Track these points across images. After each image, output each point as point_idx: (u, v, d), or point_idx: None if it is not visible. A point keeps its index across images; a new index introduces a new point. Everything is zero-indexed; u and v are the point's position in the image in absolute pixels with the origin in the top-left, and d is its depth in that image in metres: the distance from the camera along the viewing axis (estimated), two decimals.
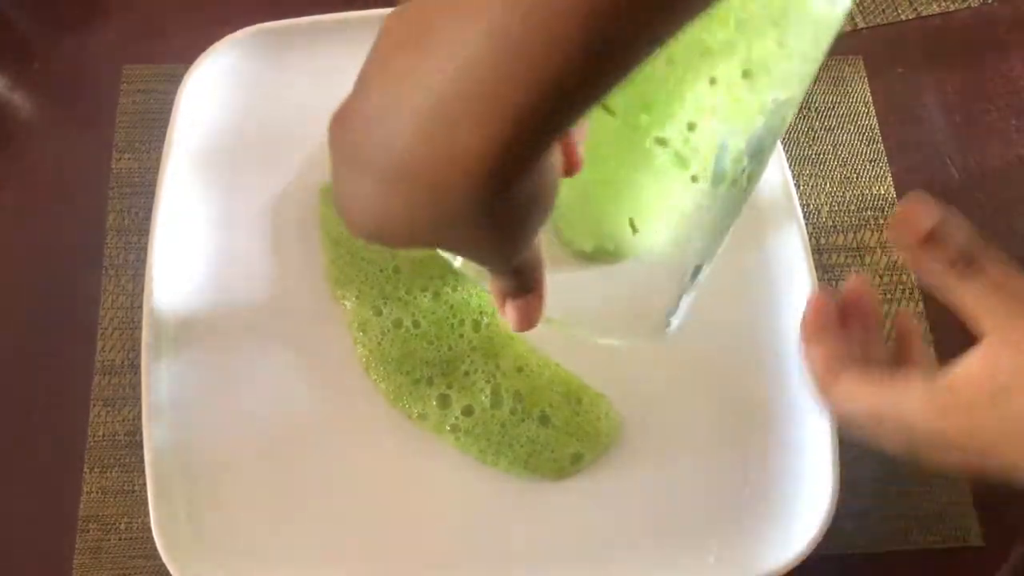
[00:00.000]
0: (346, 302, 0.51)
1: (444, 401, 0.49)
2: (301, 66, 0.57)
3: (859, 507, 0.49)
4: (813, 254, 0.52)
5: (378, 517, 0.47)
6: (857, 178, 0.58)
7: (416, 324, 0.50)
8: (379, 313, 0.51)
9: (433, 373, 0.49)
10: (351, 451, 0.48)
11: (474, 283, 0.49)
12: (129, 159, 0.57)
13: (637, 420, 0.49)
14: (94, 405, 0.50)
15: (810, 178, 0.58)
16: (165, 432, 0.47)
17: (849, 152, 0.59)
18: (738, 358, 0.50)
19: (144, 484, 0.45)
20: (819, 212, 0.57)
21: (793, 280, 0.51)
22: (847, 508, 0.45)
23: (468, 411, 0.49)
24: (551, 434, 0.48)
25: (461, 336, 0.50)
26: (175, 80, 0.55)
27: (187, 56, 0.55)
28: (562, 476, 0.48)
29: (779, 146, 0.53)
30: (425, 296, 0.51)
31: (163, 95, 0.58)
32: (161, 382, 0.48)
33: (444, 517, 0.47)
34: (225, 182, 0.54)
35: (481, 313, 0.51)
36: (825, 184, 0.58)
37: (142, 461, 0.46)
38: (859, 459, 0.47)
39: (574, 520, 0.47)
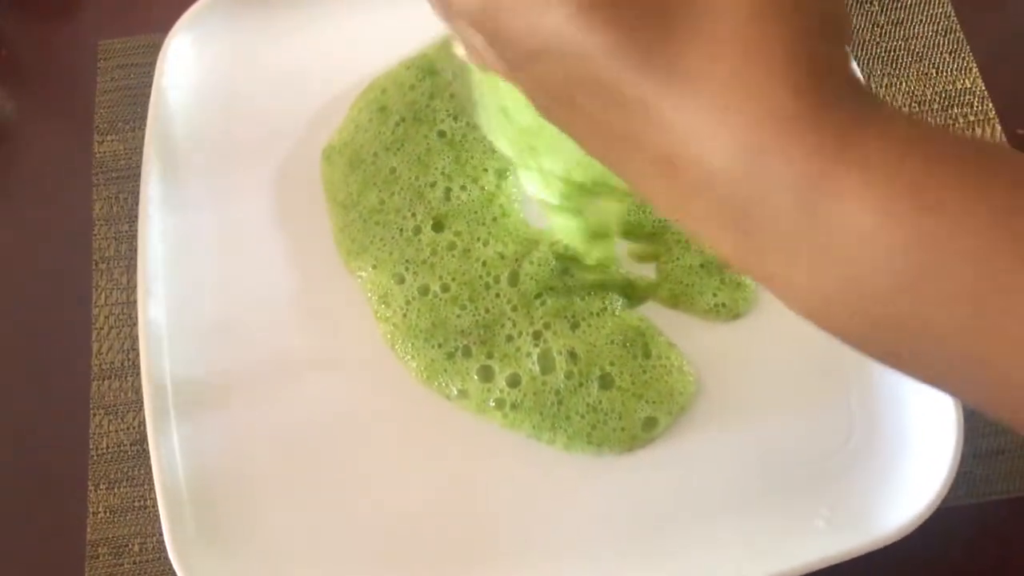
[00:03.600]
0: (362, 273, 0.45)
1: (486, 373, 0.42)
2: (288, 25, 0.51)
3: (990, 446, 0.42)
4: None
5: (422, 517, 0.40)
6: (937, 73, 0.51)
7: (445, 288, 0.44)
8: (401, 281, 0.44)
9: (470, 342, 0.43)
10: (384, 443, 0.42)
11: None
12: (113, 141, 0.51)
13: (713, 372, 0.42)
14: (95, 414, 0.45)
15: (882, 78, 0.51)
16: (173, 438, 0.41)
17: (924, 45, 0.51)
18: None
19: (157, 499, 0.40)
20: None
21: None
22: (975, 448, 0.40)
23: (514, 381, 0.42)
24: (616, 398, 0.41)
25: (498, 295, 0.43)
26: (155, 51, 0.50)
27: (166, 25, 0.50)
28: (634, 447, 0.41)
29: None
30: (452, 255, 0.44)
31: (143, 68, 0.53)
32: (164, 383, 0.42)
33: (499, 508, 0.40)
34: (217, 156, 0.49)
35: (517, 261, 0.44)
36: (902, 83, 0.50)
37: (152, 473, 0.40)
38: None
39: (652, 496, 0.40)
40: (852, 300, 0.22)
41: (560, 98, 0.25)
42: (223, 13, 0.51)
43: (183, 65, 0.50)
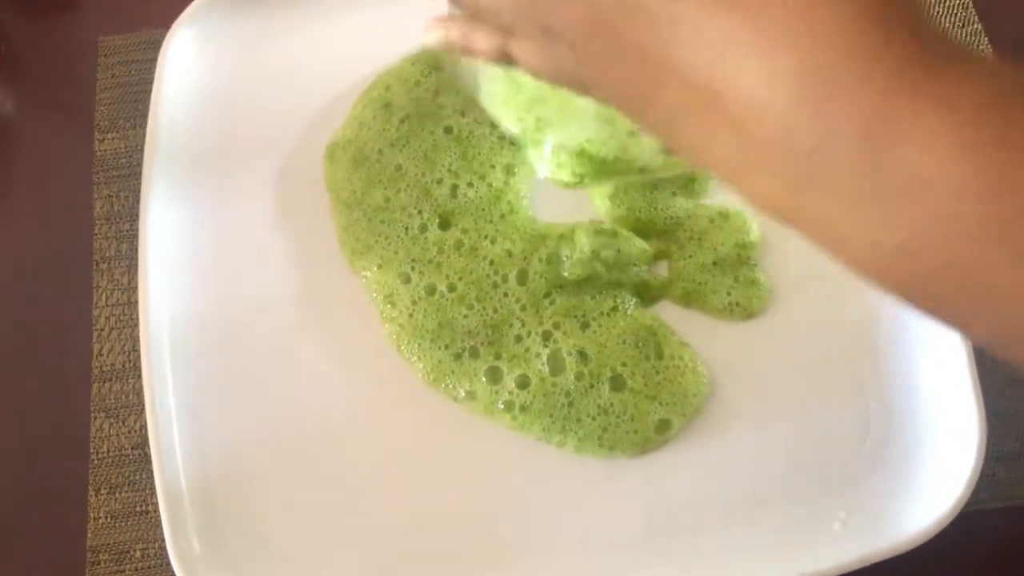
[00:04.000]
0: (367, 272, 0.44)
1: (494, 375, 0.41)
2: (291, 21, 0.50)
3: (1014, 448, 0.41)
4: None
5: (428, 523, 0.39)
6: None
7: (452, 287, 0.43)
8: (407, 280, 0.43)
9: (478, 343, 0.42)
10: (390, 446, 0.41)
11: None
12: (113, 139, 0.50)
13: (727, 373, 0.41)
14: (95, 417, 0.44)
15: None
16: (175, 442, 0.41)
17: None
18: (840, 283, 0.42)
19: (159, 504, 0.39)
20: None
21: None
22: (999, 450, 0.39)
23: (523, 383, 0.41)
24: (628, 399, 0.40)
25: (506, 295, 0.42)
26: (156, 47, 0.49)
27: (167, 20, 0.49)
28: (646, 450, 0.40)
29: None
30: (459, 254, 0.43)
31: (144, 65, 0.52)
32: (166, 385, 0.42)
33: (508, 512, 0.39)
34: (219, 154, 0.48)
35: (525, 259, 0.43)
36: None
37: (153, 477, 0.39)
38: (1011, 386, 0.39)
39: (665, 500, 0.39)
40: (916, 252, 0.20)
41: (599, 27, 0.23)
42: (225, 9, 0.50)
43: (184, 62, 0.49)
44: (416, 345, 0.42)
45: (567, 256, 0.42)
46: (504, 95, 0.37)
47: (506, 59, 0.28)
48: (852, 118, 0.19)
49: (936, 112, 0.19)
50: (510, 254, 0.43)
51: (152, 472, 0.39)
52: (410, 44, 0.49)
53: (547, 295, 0.42)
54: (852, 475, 0.40)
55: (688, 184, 0.45)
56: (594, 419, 0.40)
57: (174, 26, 0.49)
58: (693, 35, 0.20)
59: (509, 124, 0.38)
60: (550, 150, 0.38)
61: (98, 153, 0.50)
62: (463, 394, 0.41)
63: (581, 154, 0.37)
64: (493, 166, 0.45)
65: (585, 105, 0.34)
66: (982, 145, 0.18)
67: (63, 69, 0.53)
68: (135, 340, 0.44)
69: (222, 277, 0.45)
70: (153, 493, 0.40)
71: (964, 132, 0.19)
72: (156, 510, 0.40)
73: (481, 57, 0.29)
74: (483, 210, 0.44)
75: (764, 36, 0.20)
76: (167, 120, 0.47)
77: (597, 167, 0.38)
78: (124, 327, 0.46)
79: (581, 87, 0.27)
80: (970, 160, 0.18)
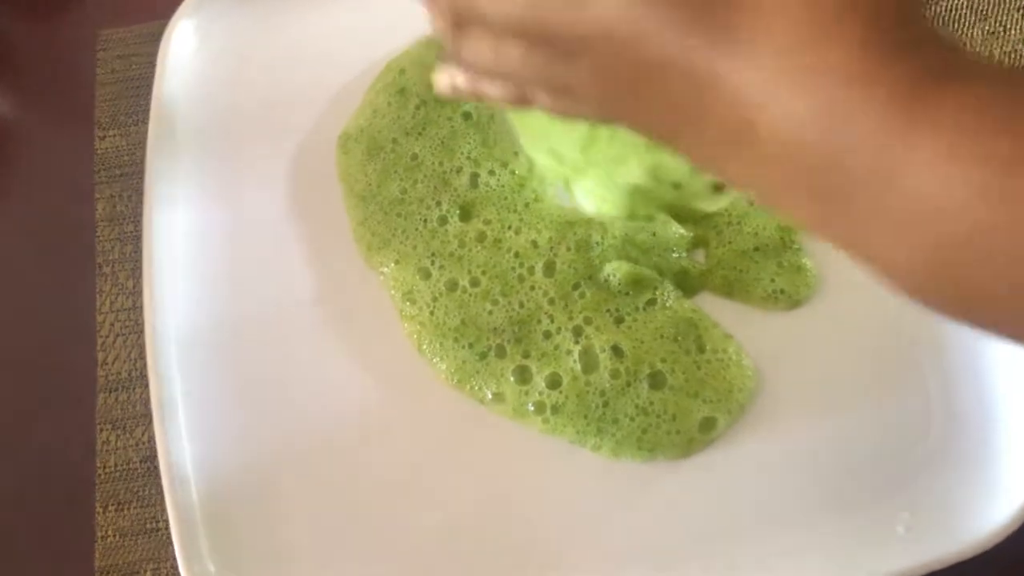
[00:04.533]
0: (384, 268, 0.41)
1: (523, 375, 0.38)
2: (298, 6, 0.48)
3: None
4: None
5: (456, 534, 0.37)
6: (1005, 32, 0.46)
7: (475, 282, 0.40)
8: (427, 276, 0.41)
9: (504, 341, 0.39)
10: (414, 454, 0.38)
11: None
12: (115, 136, 0.48)
13: (774, 366, 0.38)
14: (101, 429, 0.42)
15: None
16: (185, 454, 0.38)
17: (990, 3, 0.47)
18: None
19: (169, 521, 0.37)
20: None
21: None
22: None
23: (555, 382, 0.38)
24: (669, 398, 0.37)
25: (532, 288, 0.40)
26: (157, 40, 0.47)
27: (168, 11, 0.47)
28: (690, 451, 0.37)
29: None
30: (482, 246, 0.41)
31: (145, 58, 0.50)
32: (174, 394, 0.39)
33: (540, 522, 0.37)
34: (225, 149, 0.46)
35: (552, 249, 0.40)
36: (965, 44, 0.46)
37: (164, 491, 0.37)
38: None
39: (712, 505, 0.37)
40: (938, 268, 0.20)
41: (619, 86, 0.23)
42: None
43: (187, 53, 0.47)
44: (438, 345, 0.39)
45: (598, 242, 0.39)
46: (548, 164, 0.34)
47: (524, 103, 0.27)
48: (861, 143, 0.20)
49: (932, 132, 0.19)
50: (536, 244, 0.40)
51: (161, 487, 0.37)
52: (425, 25, 0.46)
53: (576, 286, 0.39)
54: (915, 473, 0.37)
55: None
56: (632, 420, 0.37)
57: (175, 16, 0.47)
58: (724, 86, 0.21)
59: (540, 157, 0.34)
60: (593, 186, 0.34)
61: (99, 152, 0.48)
62: (490, 396, 0.38)
63: (634, 191, 0.33)
64: (516, 152, 0.43)
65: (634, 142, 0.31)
66: (976, 164, 0.19)
67: (61, 65, 0.51)
68: (141, 347, 0.42)
69: (231, 278, 0.42)
70: (163, 509, 0.37)
71: (958, 150, 0.19)
72: (167, 527, 0.38)
73: (495, 103, 0.28)
74: (506, 199, 0.42)
75: (783, 76, 0.21)
76: (169, 115, 0.45)
77: (648, 199, 0.34)
78: (130, 333, 0.43)
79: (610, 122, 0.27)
80: (969, 183, 0.19)
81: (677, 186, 0.31)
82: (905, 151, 0.20)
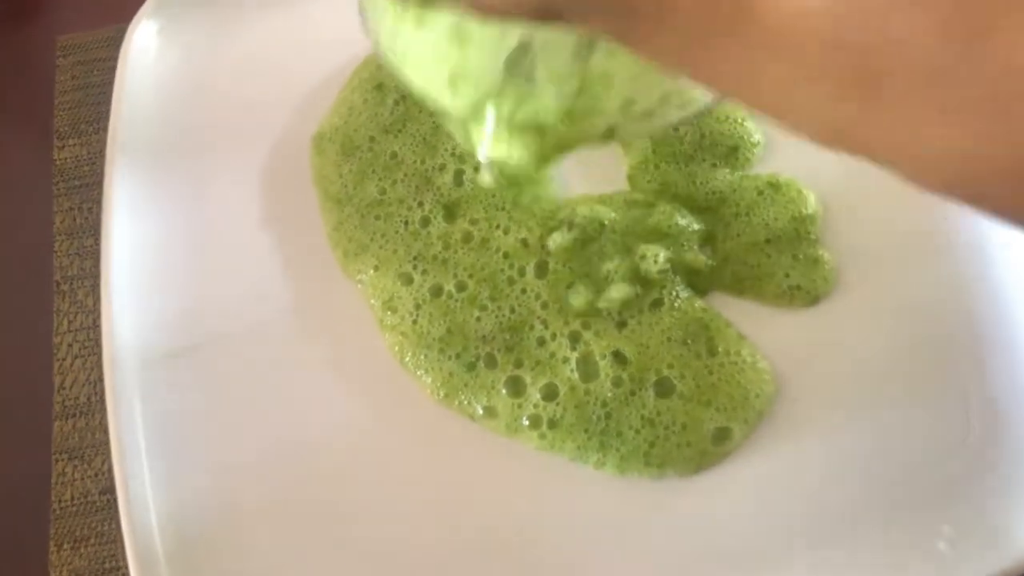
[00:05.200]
0: (362, 276, 0.38)
1: (516, 386, 0.35)
2: (262, 9, 0.45)
3: None
4: None
5: (450, 562, 0.33)
6: None
7: (461, 287, 0.37)
8: (409, 282, 0.37)
9: (494, 350, 0.35)
10: (399, 478, 0.35)
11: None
12: (75, 145, 0.45)
13: (794, 368, 0.35)
14: (57, 459, 0.38)
15: None
16: (146, 485, 0.34)
17: None
18: (921, 255, 0.35)
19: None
20: None
21: None
22: None
23: (551, 394, 0.34)
24: (678, 407, 0.33)
25: (524, 291, 0.36)
26: (118, 44, 0.44)
27: (131, 13, 0.44)
28: (704, 465, 0.33)
29: None
30: (468, 248, 0.37)
31: (107, 63, 0.47)
32: (134, 419, 0.36)
33: (540, 546, 0.33)
34: (191, 155, 0.43)
35: (543, 248, 0.36)
36: None
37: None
38: None
39: (730, 524, 0.33)
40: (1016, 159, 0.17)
41: None
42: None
43: (149, 56, 0.44)
44: (422, 356, 0.36)
45: (593, 237, 0.36)
46: (430, 56, 0.28)
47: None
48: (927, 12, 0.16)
49: None
50: (526, 244, 0.37)
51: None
52: None
53: (570, 285, 0.36)
54: (956, 481, 0.33)
55: (730, 154, 0.38)
56: (638, 432, 0.33)
57: (136, 17, 0.44)
58: None
59: (435, 91, 0.29)
60: (492, 124, 0.29)
61: (58, 162, 0.45)
62: (481, 411, 0.35)
63: (529, 127, 0.29)
64: None
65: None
66: None
67: (18, 72, 0.48)
68: (101, 369, 0.38)
69: (197, 293, 0.39)
70: (124, 547, 0.34)
71: None
72: (127, 568, 0.34)
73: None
74: (493, 196, 0.38)
75: None
76: (131, 121, 0.42)
77: (553, 138, 0.29)
78: (89, 355, 0.40)
79: (550, 14, 0.21)
80: None
81: (588, 110, 0.26)
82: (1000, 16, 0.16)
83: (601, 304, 0.35)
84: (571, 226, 0.36)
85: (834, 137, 0.19)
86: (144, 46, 0.44)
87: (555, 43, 0.24)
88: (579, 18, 0.20)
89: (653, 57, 0.20)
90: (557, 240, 0.36)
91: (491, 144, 0.28)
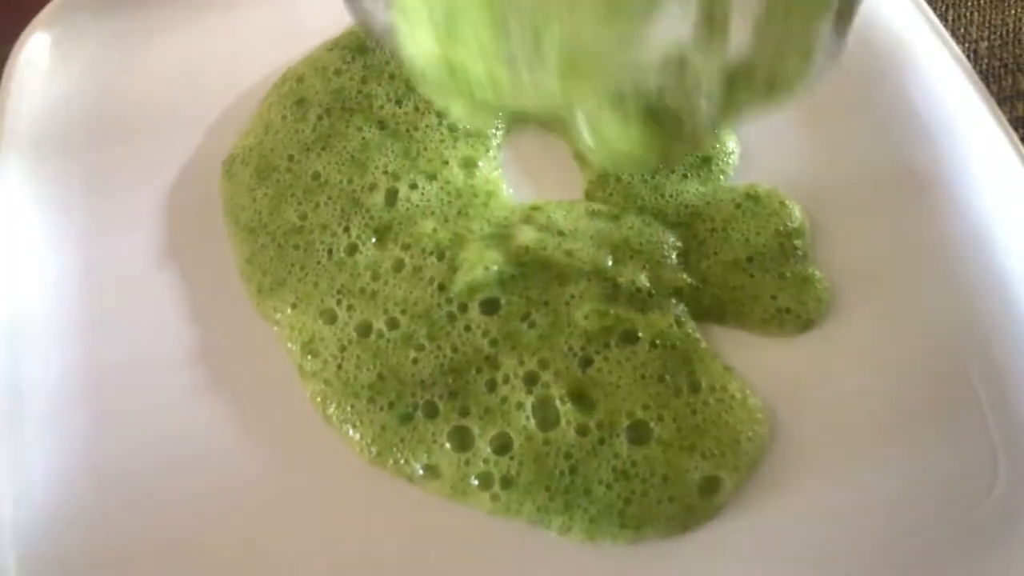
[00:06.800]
0: (278, 315, 0.32)
1: (462, 439, 0.29)
2: (176, 13, 0.40)
3: None
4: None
5: None
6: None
7: (393, 324, 0.31)
8: (332, 320, 0.32)
9: (435, 396, 0.30)
10: (324, 556, 0.29)
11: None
12: None
13: (789, 406, 0.30)
14: None
15: (948, 10, 0.40)
16: (34, 542, 0.28)
17: None
18: (927, 270, 0.31)
19: None
20: (976, 53, 0.38)
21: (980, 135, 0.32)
22: None
23: (504, 446, 0.29)
24: (657, 456, 0.28)
25: (468, 328, 0.31)
26: (2, 64, 0.39)
27: (14, 33, 0.40)
28: (690, 523, 0.28)
29: None
30: (399, 277, 0.32)
31: None
32: (18, 470, 0.29)
33: None
34: (84, 184, 0.37)
35: (500, 281, 0.31)
36: (973, 13, 0.40)
37: None
38: None
39: None
40: None
41: None
42: (89, 8, 0.40)
43: (39, 77, 0.39)
44: (349, 407, 0.30)
45: (551, 255, 0.31)
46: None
47: None
48: None
49: None
50: (471, 272, 0.32)
51: None
52: (328, 30, 0.39)
53: (526, 318, 0.30)
54: (980, 537, 0.28)
55: (702, 164, 0.34)
56: (610, 488, 0.28)
57: (26, 31, 0.39)
58: None
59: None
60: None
61: None
62: (420, 470, 0.29)
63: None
64: (446, 162, 0.34)
65: None
66: None
67: None
68: None
69: (90, 339, 0.33)
70: None
71: None
72: None
73: None
74: (434, 213, 0.33)
75: None
76: (17, 148, 0.37)
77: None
78: None
79: None
80: None
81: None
82: None
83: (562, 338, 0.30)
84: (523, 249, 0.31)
85: None
86: (35, 64, 0.39)
87: None
88: None
89: None
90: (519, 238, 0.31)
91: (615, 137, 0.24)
